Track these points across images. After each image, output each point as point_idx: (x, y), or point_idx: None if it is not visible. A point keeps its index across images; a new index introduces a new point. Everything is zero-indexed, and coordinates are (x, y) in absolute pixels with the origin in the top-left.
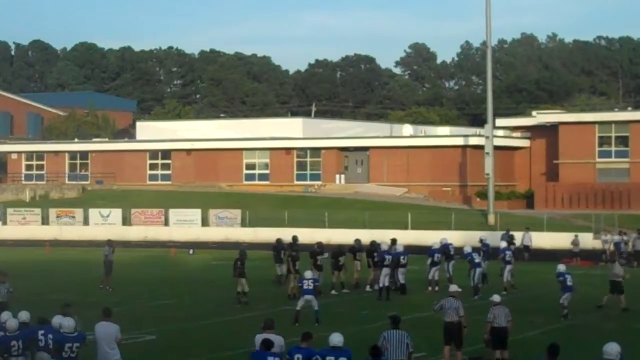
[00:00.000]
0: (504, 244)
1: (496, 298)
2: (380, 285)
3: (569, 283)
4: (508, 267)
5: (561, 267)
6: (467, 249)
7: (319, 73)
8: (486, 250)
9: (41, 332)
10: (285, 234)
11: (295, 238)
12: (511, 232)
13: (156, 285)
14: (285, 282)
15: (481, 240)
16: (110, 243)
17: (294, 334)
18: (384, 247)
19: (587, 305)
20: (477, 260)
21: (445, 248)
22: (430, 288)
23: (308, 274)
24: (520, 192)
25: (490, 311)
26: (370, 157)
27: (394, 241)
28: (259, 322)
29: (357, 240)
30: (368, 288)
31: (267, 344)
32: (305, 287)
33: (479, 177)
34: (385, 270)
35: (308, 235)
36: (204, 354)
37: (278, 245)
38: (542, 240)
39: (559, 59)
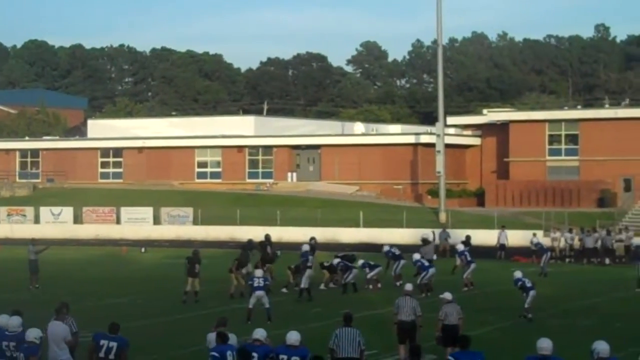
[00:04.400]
0: (461, 246)
1: (447, 296)
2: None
3: (529, 284)
4: (472, 266)
5: (517, 274)
6: (416, 257)
7: (271, 71)
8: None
9: None
10: (237, 232)
11: (267, 237)
12: (448, 230)
13: (108, 284)
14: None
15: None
16: (34, 242)
17: (246, 332)
18: (306, 247)
19: (545, 304)
20: (426, 264)
21: (388, 254)
22: (398, 283)
23: (259, 272)
24: (471, 190)
25: (441, 309)
26: (322, 155)
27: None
28: (211, 320)
29: (313, 239)
30: (322, 287)
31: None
32: (255, 284)
33: (430, 175)
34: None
35: (260, 233)
36: (156, 352)
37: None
38: (493, 238)
39: (509, 57)
